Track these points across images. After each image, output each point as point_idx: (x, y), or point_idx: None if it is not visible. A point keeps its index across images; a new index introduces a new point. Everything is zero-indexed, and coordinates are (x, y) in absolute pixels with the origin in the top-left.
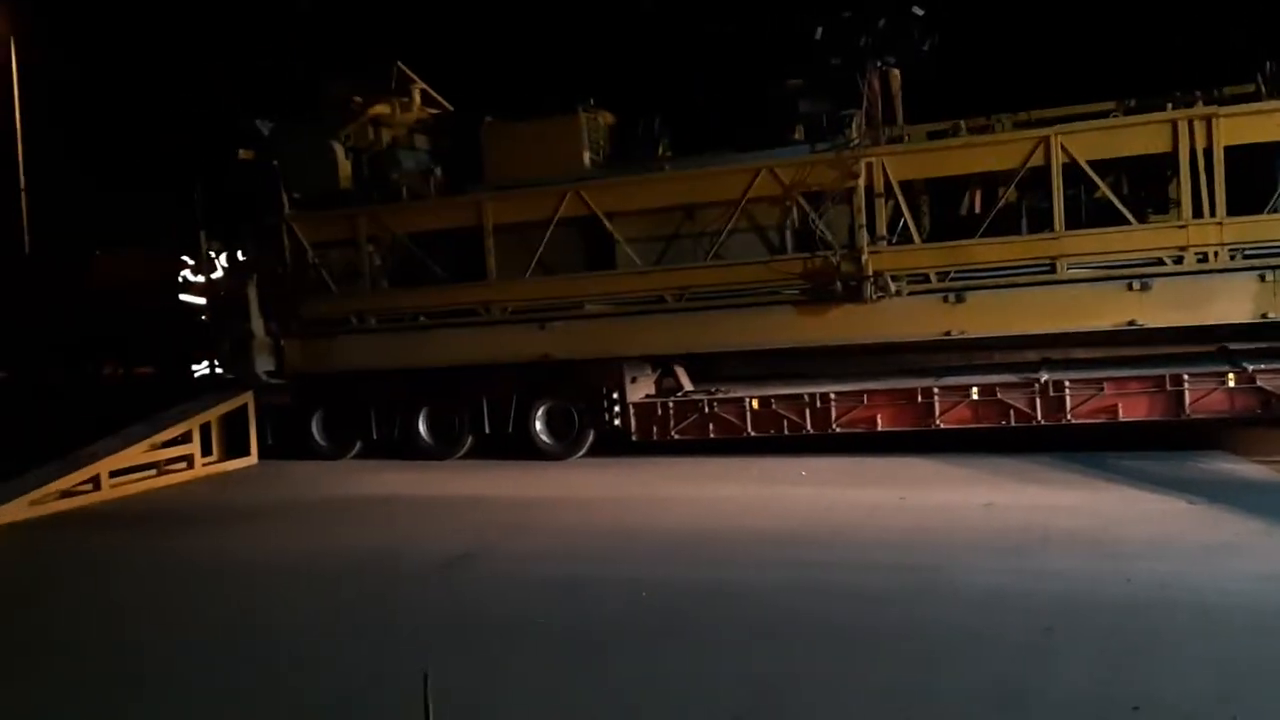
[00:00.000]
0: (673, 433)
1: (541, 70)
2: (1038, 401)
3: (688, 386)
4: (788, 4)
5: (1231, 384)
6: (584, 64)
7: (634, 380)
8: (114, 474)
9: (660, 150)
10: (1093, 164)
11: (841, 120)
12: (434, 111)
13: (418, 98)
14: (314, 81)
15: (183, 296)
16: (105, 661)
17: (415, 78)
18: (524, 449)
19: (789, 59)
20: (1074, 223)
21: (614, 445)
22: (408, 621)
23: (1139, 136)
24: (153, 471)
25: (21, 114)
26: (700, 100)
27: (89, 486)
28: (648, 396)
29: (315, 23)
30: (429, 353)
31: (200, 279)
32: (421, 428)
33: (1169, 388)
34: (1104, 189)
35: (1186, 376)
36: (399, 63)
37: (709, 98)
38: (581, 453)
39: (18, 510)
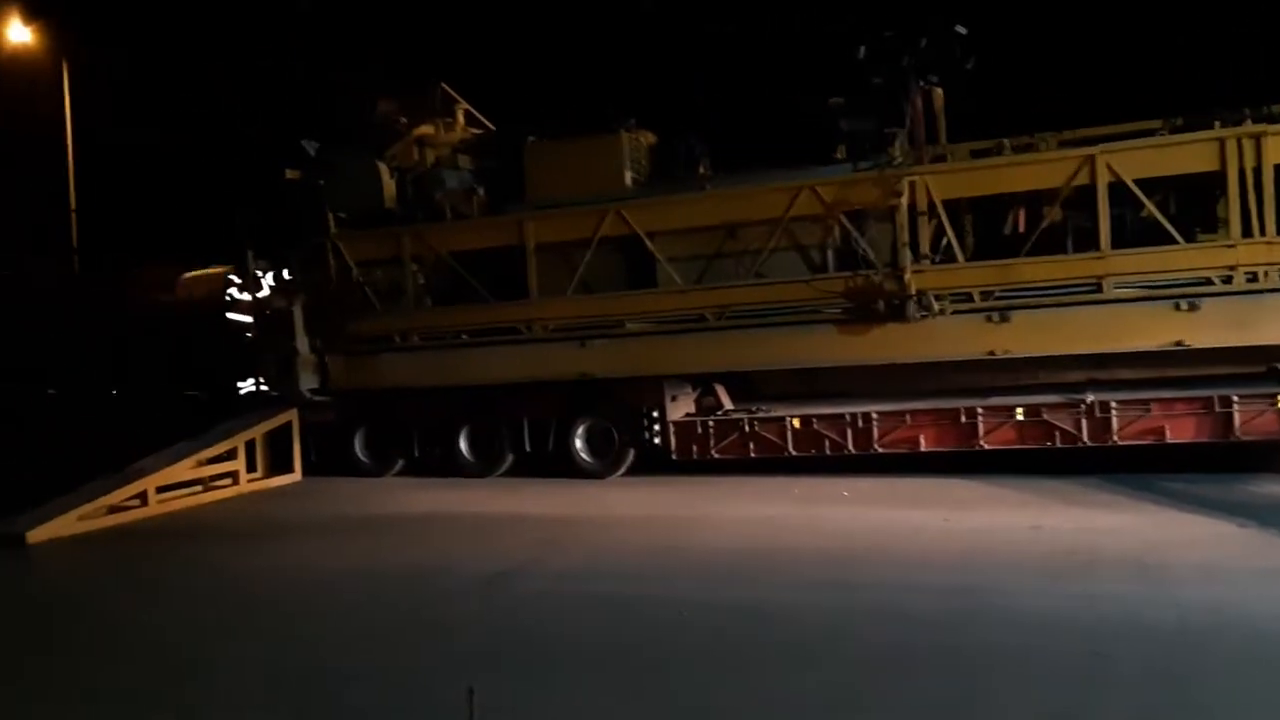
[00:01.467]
0: (713, 452)
1: (583, 90)
2: (1083, 422)
3: (728, 405)
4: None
5: None
6: (626, 84)
7: (674, 399)
8: (161, 490)
9: (701, 169)
10: (1139, 182)
11: (884, 139)
12: (477, 131)
13: (461, 118)
14: (360, 103)
15: (229, 314)
16: (161, 675)
17: (459, 98)
18: (564, 467)
19: (832, 78)
20: (1120, 242)
21: (654, 464)
22: (451, 637)
23: (1186, 155)
24: (198, 487)
25: (72, 134)
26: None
27: (136, 502)
28: (688, 415)
29: (363, 45)
30: (470, 371)
31: (247, 297)
32: (462, 445)
33: (1217, 409)
34: (1150, 208)
35: (1236, 398)
36: (443, 84)
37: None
38: (621, 471)
39: (67, 525)
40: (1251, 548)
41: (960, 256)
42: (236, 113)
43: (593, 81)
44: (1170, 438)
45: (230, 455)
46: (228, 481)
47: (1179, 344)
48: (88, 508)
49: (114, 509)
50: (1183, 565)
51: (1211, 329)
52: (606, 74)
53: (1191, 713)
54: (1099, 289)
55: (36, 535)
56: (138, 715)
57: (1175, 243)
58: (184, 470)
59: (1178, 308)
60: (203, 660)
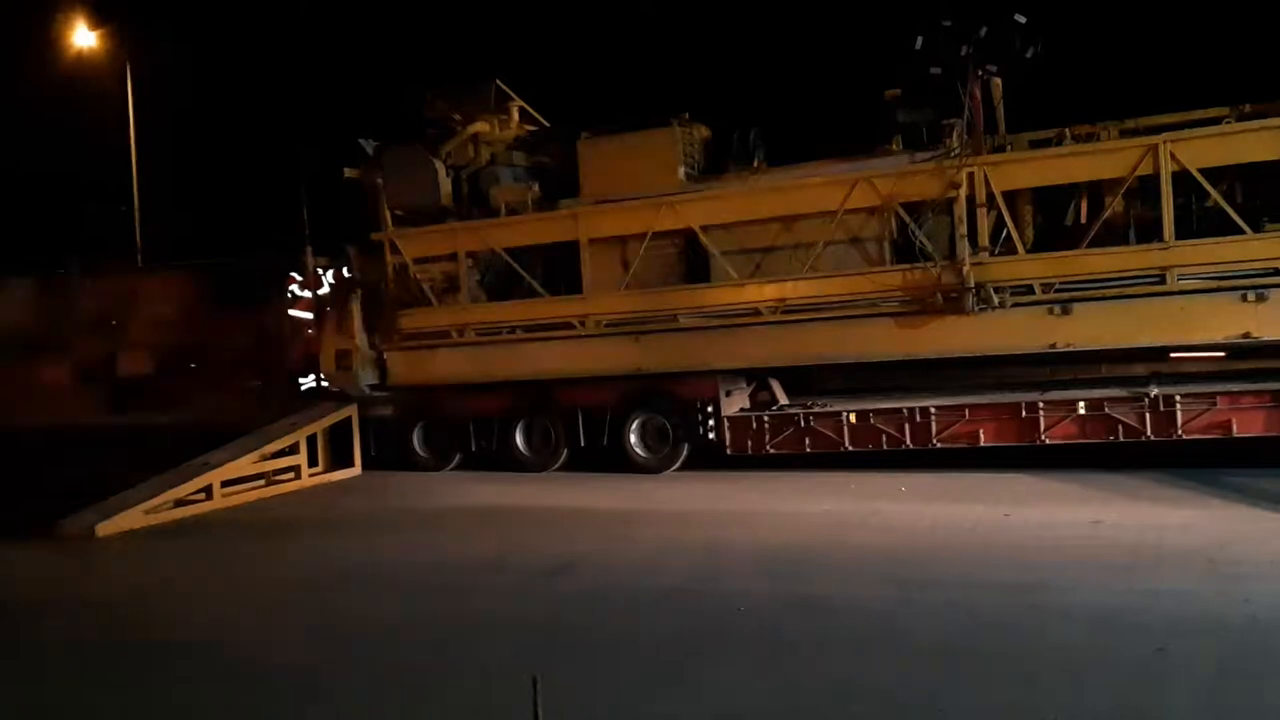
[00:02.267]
0: (768, 447)
1: (638, 84)
2: (1147, 416)
3: (783, 400)
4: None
5: None
6: (681, 77)
7: (729, 394)
8: (225, 484)
9: (756, 162)
10: (1205, 171)
11: (942, 129)
12: (531, 128)
13: (516, 115)
14: (416, 101)
15: (290, 311)
16: (238, 663)
17: (513, 95)
18: (619, 462)
19: (889, 69)
20: (1184, 232)
21: (709, 459)
22: (514, 630)
23: (1254, 143)
24: (261, 481)
25: (135, 134)
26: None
27: (202, 496)
28: (742, 410)
29: (416, 42)
30: (525, 365)
31: (307, 294)
32: (518, 440)
33: None
34: (1216, 197)
35: None
36: (497, 81)
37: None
38: (676, 466)
39: (134, 518)
40: None
41: (1020, 248)
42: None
43: (648, 75)
44: (1237, 432)
45: (293, 450)
46: (290, 475)
47: (1246, 336)
48: (154, 501)
49: (180, 503)
50: (1252, 560)
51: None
52: (662, 67)
53: (1261, 712)
54: (1163, 280)
55: (105, 529)
56: (229, 701)
57: (1242, 233)
58: (248, 464)
59: (1244, 299)
60: (282, 647)
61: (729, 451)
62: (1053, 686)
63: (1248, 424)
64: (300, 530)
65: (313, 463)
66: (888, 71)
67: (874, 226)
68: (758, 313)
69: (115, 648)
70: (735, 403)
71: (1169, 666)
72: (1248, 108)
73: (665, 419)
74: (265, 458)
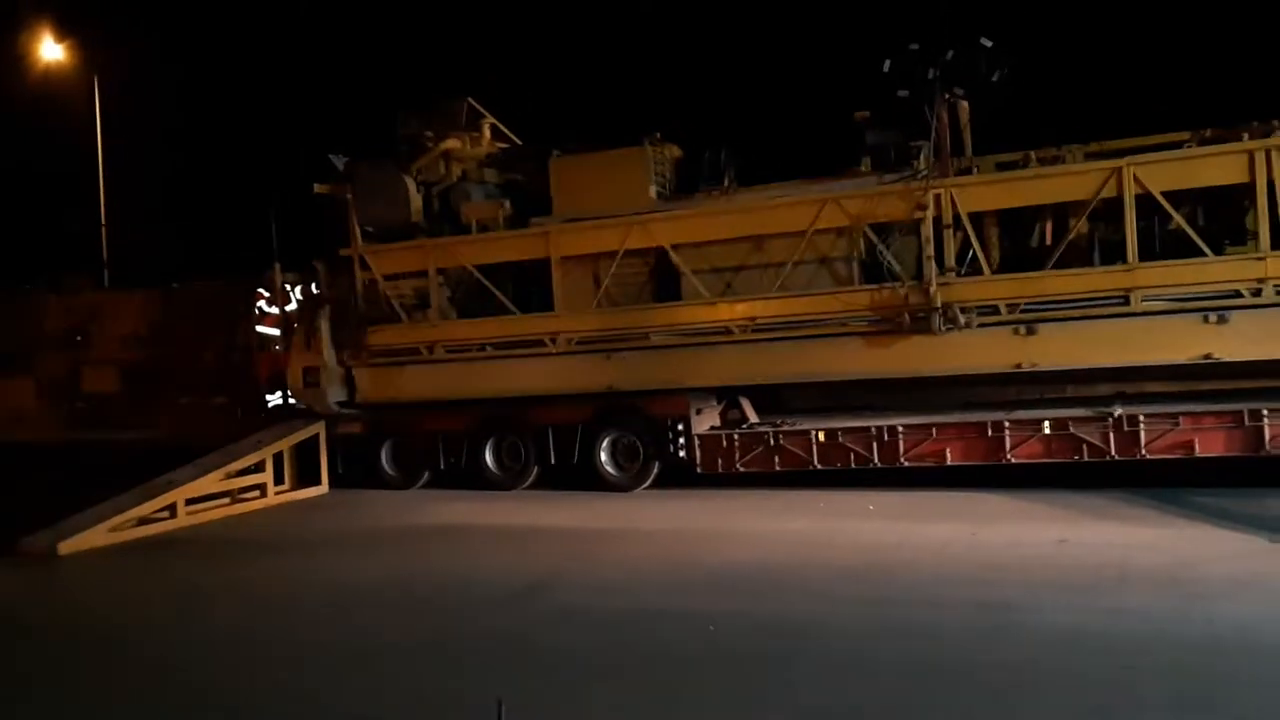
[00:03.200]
0: (738, 465)
1: (610, 104)
2: (1111, 436)
3: (753, 419)
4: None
5: None
6: (652, 98)
7: (699, 412)
8: (190, 501)
9: (726, 182)
10: (1167, 195)
11: (909, 152)
12: (503, 145)
13: (487, 132)
14: (388, 117)
15: (258, 327)
16: (194, 685)
17: (485, 113)
18: (589, 480)
19: (857, 91)
20: (1148, 254)
21: (679, 477)
22: (480, 649)
23: (1215, 167)
24: (227, 500)
25: (102, 150)
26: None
27: (166, 514)
28: (713, 428)
29: (388, 59)
30: (496, 383)
31: (275, 310)
32: (488, 458)
33: (1248, 423)
34: (1179, 220)
35: (1266, 411)
36: (469, 98)
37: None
38: (646, 484)
39: (97, 536)
40: None
41: (986, 269)
42: (265, 127)
43: (619, 96)
44: (1200, 451)
45: (259, 468)
46: (256, 494)
47: (1207, 357)
48: (117, 519)
49: (144, 520)
50: (1214, 579)
51: (1241, 341)
52: (633, 88)
53: None
54: (1127, 301)
55: (67, 547)
56: None
57: (1204, 255)
58: (212, 482)
59: (1206, 320)
60: (235, 669)
61: (699, 470)
62: (1018, 705)
63: (1210, 444)
64: (263, 550)
65: (279, 481)
66: (857, 93)
67: (843, 247)
68: (728, 331)
69: (70, 665)
70: (706, 421)
71: (1133, 686)
72: (1209, 132)
73: (636, 437)
74: (230, 475)
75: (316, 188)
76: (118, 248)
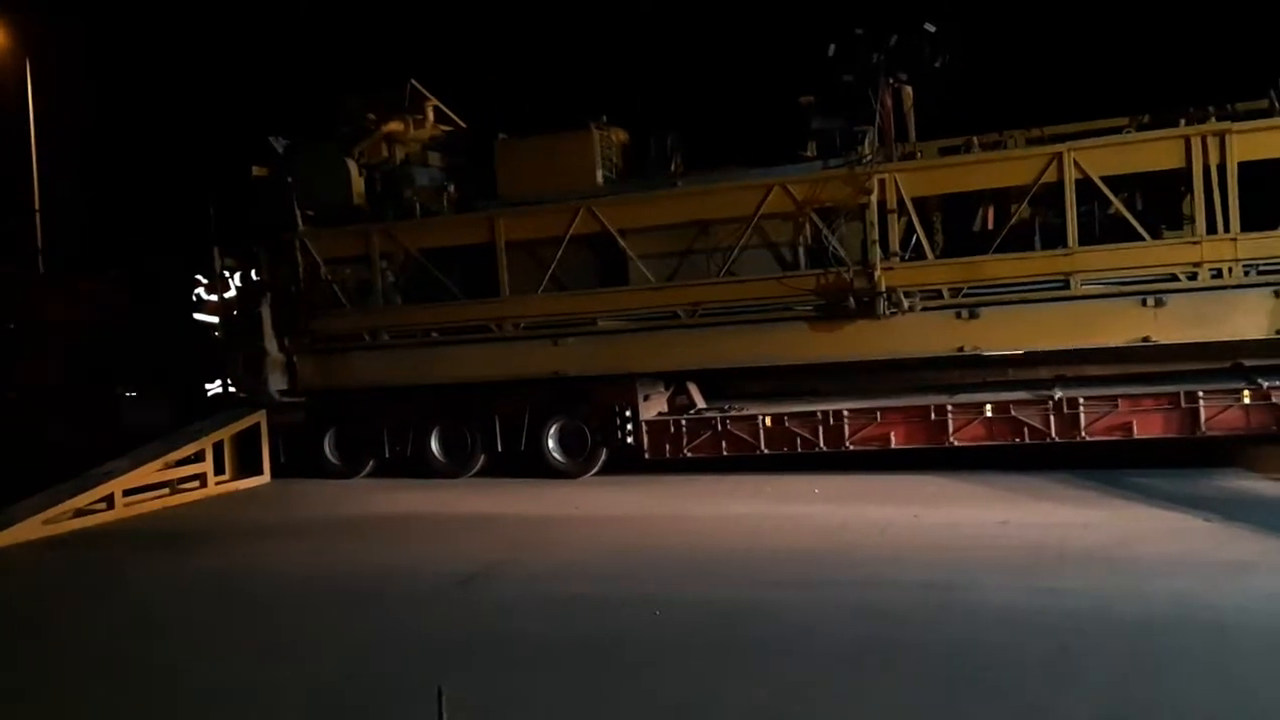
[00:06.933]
0: (685, 451)
1: (555, 87)
2: (1052, 419)
3: (701, 404)
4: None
5: (1247, 401)
6: (599, 81)
7: (647, 398)
8: (127, 493)
9: (673, 167)
10: (1106, 180)
11: (854, 136)
12: (447, 128)
13: (431, 115)
14: (329, 99)
15: (196, 315)
16: (132, 679)
17: (429, 95)
18: (537, 467)
19: (802, 76)
20: (1087, 239)
21: (627, 463)
22: (423, 638)
23: (1152, 152)
24: (165, 490)
25: (35, 134)
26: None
27: (103, 505)
28: (660, 414)
29: (329, 39)
30: (442, 370)
31: (213, 297)
32: (434, 446)
33: (1184, 405)
34: (1117, 205)
35: (1201, 393)
36: (413, 80)
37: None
38: (594, 471)
39: (32, 529)
40: (1217, 541)
41: (929, 254)
42: (203, 109)
43: (564, 78)
44: (1138, 433)
45: (198, 457)
46: (195, 484)
47: (1146, 340)
48: (52, 511)
49: (80, 512)
50: (1150, 558)
51: (1177, 325)
52: (578, 71)
53: (1159, 705)
54: (1067, 285)
55: (1, 540)
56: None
57: (1142, 239)
58: (151, 473)
59: (1144, 304)
60: (175, 663)
61: (647, 455)
62: (961, 684)
63: (1147, 426)
64: (202, 540)
65: (219, 470)
66: (802, 78)
67: (789, 232)
68: (675, 316)
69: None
70: (653, 407)
71: (1072, 663)
72: (1147, 118)
73: (583, 423)
74: (169, 466)
75: (255, 170)
76: (53, 236)
